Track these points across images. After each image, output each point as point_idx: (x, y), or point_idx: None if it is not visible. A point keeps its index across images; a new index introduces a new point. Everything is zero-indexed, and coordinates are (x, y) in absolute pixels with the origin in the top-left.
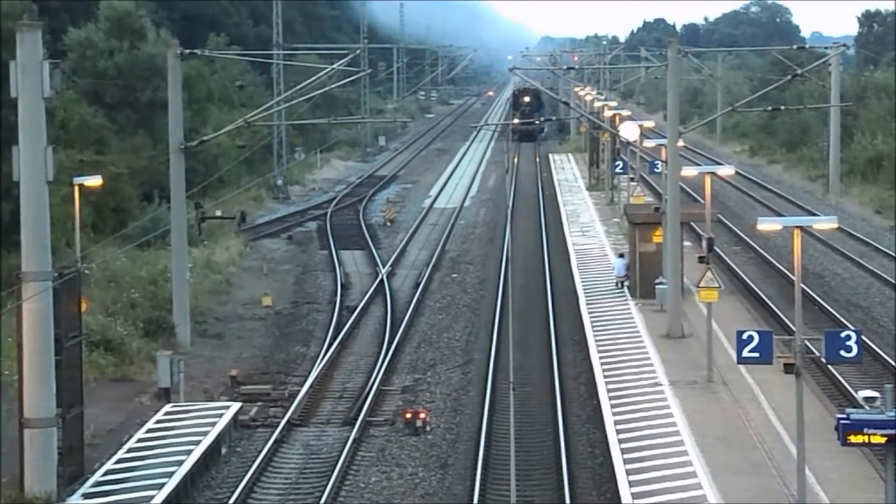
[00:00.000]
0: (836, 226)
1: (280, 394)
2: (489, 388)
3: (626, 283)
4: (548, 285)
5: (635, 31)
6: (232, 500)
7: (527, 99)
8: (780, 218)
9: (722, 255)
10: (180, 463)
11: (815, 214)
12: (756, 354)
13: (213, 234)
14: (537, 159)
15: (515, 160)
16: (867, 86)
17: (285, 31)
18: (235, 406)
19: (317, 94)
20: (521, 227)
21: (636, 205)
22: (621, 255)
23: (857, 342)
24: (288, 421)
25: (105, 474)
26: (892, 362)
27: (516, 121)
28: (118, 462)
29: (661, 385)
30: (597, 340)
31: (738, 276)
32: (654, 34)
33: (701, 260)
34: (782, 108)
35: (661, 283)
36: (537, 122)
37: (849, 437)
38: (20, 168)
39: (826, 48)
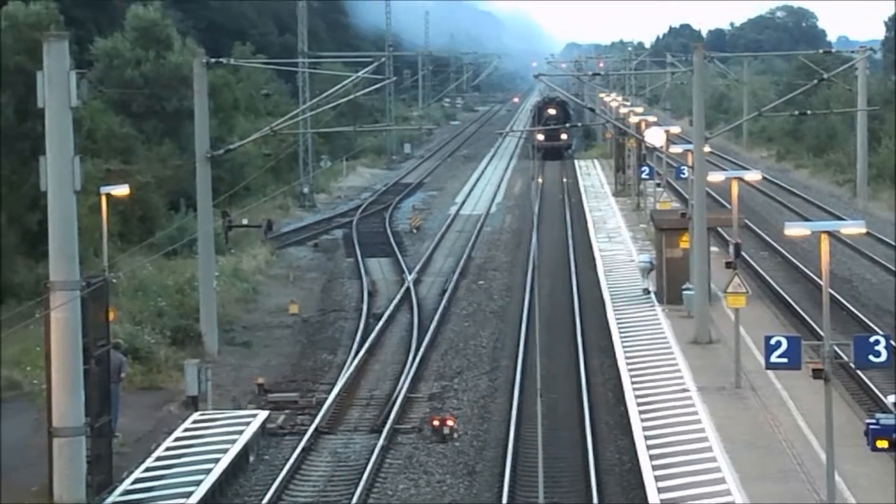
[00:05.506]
0: (864, 230)
1: (307, 401)
2: (516, 394)
3: (651, 272)
4: (574, 292)
5: (661, 36)
6: None
7: (552, 111)
8: (808, 223)
9: (749, 260)
10: (208, 471)
11: (842, 219)
12: (784, 360)
13: (240, 243)
14: (563, 167)
15: (541, 181)
16: (895, 89)
17: (310, 39)
18: (263, 414)
19: (342, 102)
20: (547, 233)
21: (663, 210)
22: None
23: (886, 347)
24: (315, 428)
25: (134, 483)
26: None
27: (540, 136)
28: (146, 470)
29: (688, 391)
30: (624, 346)
31: (766, 281)
32: (680, 40)
33: (728, 265)
34: (809, 112)
35: (688, 289)
36: (564, 136)
37: (878, 442)
38: (48, 178)
39: (853, 52)
